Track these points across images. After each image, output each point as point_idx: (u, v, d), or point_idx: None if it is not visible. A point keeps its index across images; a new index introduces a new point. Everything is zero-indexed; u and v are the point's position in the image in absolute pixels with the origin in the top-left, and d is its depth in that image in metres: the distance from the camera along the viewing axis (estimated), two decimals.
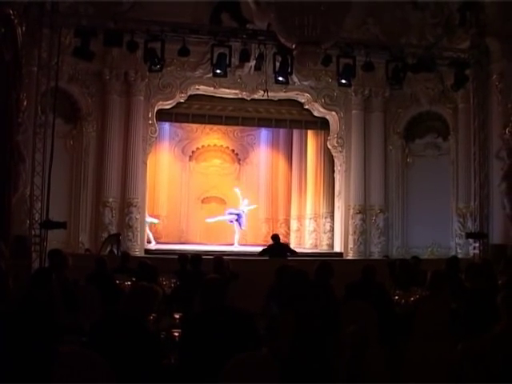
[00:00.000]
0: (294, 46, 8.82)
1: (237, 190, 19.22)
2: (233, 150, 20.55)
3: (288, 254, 12.57)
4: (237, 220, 18.34)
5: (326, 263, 7.05)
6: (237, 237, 18.42)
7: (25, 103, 11.65)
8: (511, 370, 3.76)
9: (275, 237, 13.24)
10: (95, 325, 4.44)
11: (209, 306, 4.53)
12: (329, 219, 17.99)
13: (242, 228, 18.63)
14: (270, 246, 13.05)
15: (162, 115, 16.26)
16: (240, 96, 16.26)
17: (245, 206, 18.66)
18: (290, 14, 8.29)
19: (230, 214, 18.54)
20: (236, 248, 17.48)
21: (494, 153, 13.79)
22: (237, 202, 18.97)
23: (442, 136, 16.37)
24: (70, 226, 14.08)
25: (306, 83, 16.19)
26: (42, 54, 12.50)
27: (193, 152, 20.25)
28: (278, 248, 12.74)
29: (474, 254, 14.09)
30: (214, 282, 4.70)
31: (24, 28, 10.89)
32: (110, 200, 15.13)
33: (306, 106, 16.94)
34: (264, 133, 20.68)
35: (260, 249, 13.75)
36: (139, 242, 15.40)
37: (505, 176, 13.35)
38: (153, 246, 17.36)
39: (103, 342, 4.22)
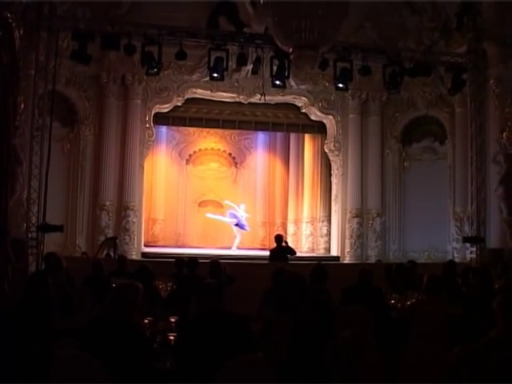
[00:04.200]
0: (291, 50, 8.81)
1: (227, 202, 19.12)
2: (230, 154, 20.50)
3: (288, 255, 12.56)
4: (237, 224, 18.27)
5: (319, 266, 7.04)
6: (237, 241, 18.33)
7: (22, 106, 11.66)
8: (507, 375, 3.76)
9: (277, 238, 13.06)
10: (85, 329, 4.42)
11: (205, 311, 4.53)
12: (326, 223, 18.00)
13: (246, 229, 18.54)
14: (273, 250, 12.99)
15: (159, 119, 16.28)
16: (237, 100, 16.29)
17: (243, 212, 18.59)
18: (288, 18, 8.29)
19: (234, 217, 18.40)
20: (233, 252, 17.41)
21: (491, 157, 13.80)
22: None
23: (439, 140, 16.41)
24: (66, 230, 14.10)
25: (303, 87, 16.22)
26: (40, 57, 12.53)
27: (190, 155, 20.21)
28: (279, 251, 12.71)
29: (471, 258, 14.12)
30: (211, 287, 4.70)
31: (21, 31, 10.87)
32: (107, 203, 15.11)
33: (303, 110, 16.95)
34: (261, 136, 20.65)
35: (258, 253, 13.67)
36: (136, 246, 15.36)
37: (502, 180, 13.36)
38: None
39: (95, 345, 4.21)
